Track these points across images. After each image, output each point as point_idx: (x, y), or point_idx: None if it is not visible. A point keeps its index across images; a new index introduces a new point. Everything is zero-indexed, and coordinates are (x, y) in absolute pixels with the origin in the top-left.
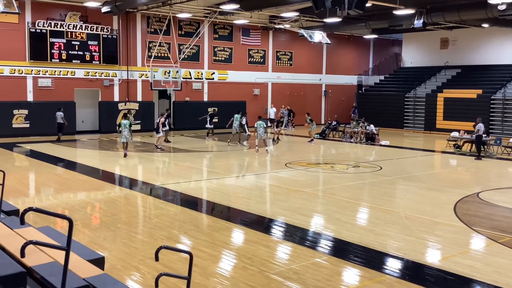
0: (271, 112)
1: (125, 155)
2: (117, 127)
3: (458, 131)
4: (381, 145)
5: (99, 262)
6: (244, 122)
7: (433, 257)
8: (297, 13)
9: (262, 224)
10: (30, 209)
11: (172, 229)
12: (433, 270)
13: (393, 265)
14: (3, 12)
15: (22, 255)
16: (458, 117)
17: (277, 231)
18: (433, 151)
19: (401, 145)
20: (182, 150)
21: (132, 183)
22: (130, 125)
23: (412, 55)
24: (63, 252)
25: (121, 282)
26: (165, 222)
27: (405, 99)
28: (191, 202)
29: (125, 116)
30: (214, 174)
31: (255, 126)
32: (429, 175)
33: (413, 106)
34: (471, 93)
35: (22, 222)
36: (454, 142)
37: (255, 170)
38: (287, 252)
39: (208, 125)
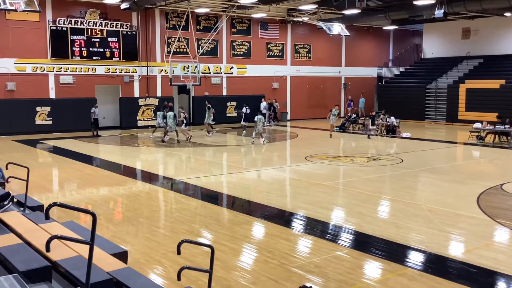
0: (261, 106)
1: (162, 141)
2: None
3: (481, 122)
4: (402, 138)
5: (122, 256)
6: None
7: (456, 250)
8: (315, 6)
9: (282, 218)
10: (55, 204)
11: (193, 223)
12: (456, 263)
13: (415, 258)
14: (24, 11)
15: (48, 249)
16: (481, 108)
17: (298, 225)
18: (455, 142)
19: (422, 137)
20: (202, 144)
21: (153, 178)
22: (175, 116)
23: (433, 46)
24: (87, 246)
25: (144, 276)
26: (186, 216)
27: (426, 91)
28: (211, 196)
29: (163, 108)
30: (234, 168)
31: (255, 120)
32: (451, 167)
33: (434, 98)
34: (494, 84)
35: (47, 217)
36: (477, 134)
37: (275, 164)
38: (308, 246)
39: (208, 121)
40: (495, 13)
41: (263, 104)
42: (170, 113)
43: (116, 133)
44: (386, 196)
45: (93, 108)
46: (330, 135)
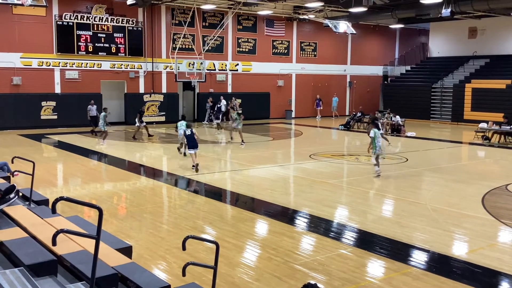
0: (222, 105)
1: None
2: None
3: (487, 122)
4: (407, 137)
5: (126, 251)
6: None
7: (460, 250)
8: (321, 3)
9: (286, 215)
10: (62, 198)
11: (197, 220)
12: (460, 262)
13: (420, 257)
14: (31, 5)
15: (54, 243)
16: (487, 108)
17: (302, 222)
18: (461, 142)
19: (427, 136)
20: (206, 141)
21: (157, 174)
22: (240, 115)
23: (439, 45)
24: (92, 241)
25: (148, 271)
26: (190, 213)
27: (432, 90)
28: (215, 193)
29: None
30: (238, 165)
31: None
32: (456, 167)
33: (440, 97)
34: (500, 84)
35: (54, 211)
36: (482, 134)
37: (279, 162)
38: (311, 243)
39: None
40: (503, 13)
41: (223, 103)
42: (102, 114)
43: (120, 129)
44: (390, 195)
45: (89, 106)
46: None
